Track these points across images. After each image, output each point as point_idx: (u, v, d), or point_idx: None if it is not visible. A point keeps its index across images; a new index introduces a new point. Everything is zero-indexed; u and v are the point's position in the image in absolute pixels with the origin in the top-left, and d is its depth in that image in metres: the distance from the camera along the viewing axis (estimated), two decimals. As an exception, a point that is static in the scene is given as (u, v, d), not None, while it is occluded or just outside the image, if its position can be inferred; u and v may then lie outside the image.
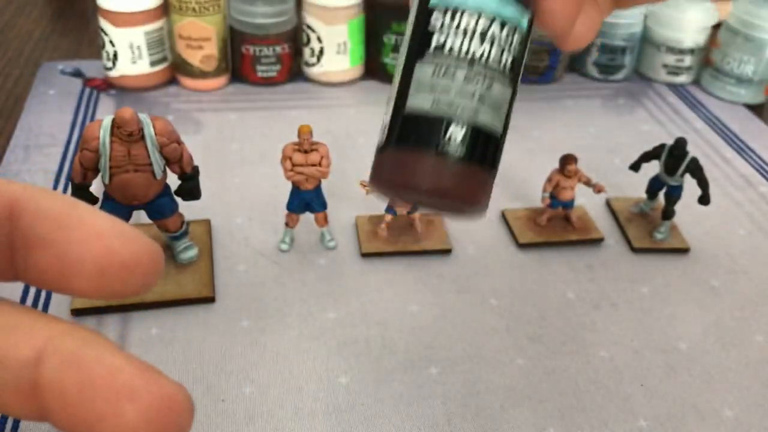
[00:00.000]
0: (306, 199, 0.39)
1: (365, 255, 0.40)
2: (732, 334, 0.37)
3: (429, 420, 0.31)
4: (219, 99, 0.56)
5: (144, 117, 0.33)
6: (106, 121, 0.32)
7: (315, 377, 0.33)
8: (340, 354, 0.34)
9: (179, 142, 0.34)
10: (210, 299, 0.36)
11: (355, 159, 0.49)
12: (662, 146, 0.42)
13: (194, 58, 0.55)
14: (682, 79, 0.64)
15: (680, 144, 0.41)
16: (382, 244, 0.41)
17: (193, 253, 0.37)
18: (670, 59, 0.63)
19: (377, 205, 0.43)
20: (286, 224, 0.40)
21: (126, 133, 0.32)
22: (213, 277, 0.37)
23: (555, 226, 0.43)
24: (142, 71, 0.54)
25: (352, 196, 0.45)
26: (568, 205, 0.42)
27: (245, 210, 0.43)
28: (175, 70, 0.57)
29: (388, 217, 0.41)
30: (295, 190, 0.38)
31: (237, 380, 0.32)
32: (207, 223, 0.41)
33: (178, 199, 0.37)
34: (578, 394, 0.33)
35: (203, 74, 0.56)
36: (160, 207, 0.35)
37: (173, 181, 0.36)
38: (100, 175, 0.33)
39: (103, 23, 0.52)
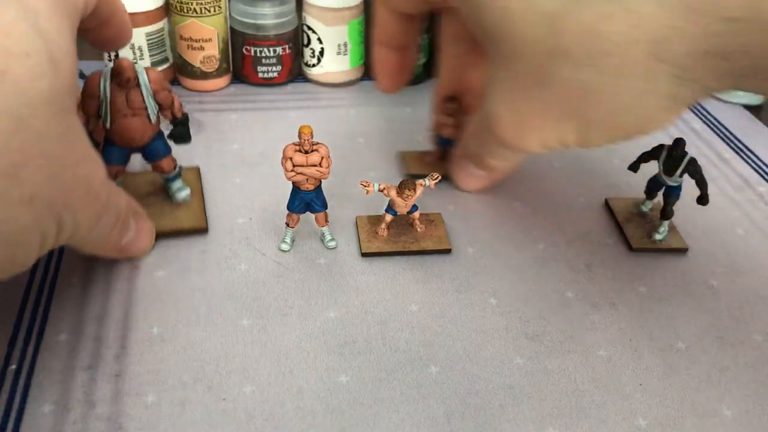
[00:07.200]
0: (306, 199, 0.39)
1: (365, 255, 0.40)
2: (731, 333, 0.38)
3: (429, 419, 0.31)
4: (220, 100, 0.56)
5: (139, 66, 0.37)
6: (106, 71, 0.36)
7: (315, 376, 0.33)
8: (341, 353, 0.34)
9: (170, 90, 0.38)
10: (204, 230, 0.41)
11: (355, 159, 0.50)
12: (661, 147, 0.42)
13: (195, 58, 0.55)
14: (682, 79, 0.64)
15: (679, 144, 0.41)
16: (382, 244, 0.41)
17: (186, 192, 0.42)
18: (670, 60, 0.63)
19: (377, 205, 0.43)
20: (287, 224, 0.40)
21: (124, 80, 0.36)
22: (205, 213, 0.42)
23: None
24: (143, 72, 0.55)
25: (352, 196, 0.45)
26: (450, 143, 0.46)
27: (246, 210, 0.43)
28: (177, 70, 0.57)
29: (388, 217, 0.41)
30: (296, 191, 0.39)
31: (237, 379, 0.32)
32: (197, 169, 0.46)
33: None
34: (577, 393, 0.33)
35: (204, 75, 0.56)
36: (155, 149, 0.39)
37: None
38: (101, 121, 0.37)
39: (105, 24, 0.52)
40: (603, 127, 0.31)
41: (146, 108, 0.37)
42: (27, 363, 0.32)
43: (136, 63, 0.37)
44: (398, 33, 0.42)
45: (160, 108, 0.38)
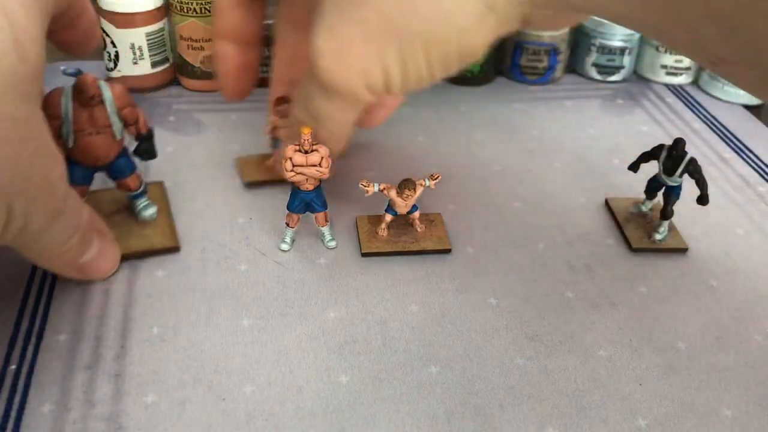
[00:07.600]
0: (306, 199, 0.39)
1: (365, 255, 0.40)
2: (730, 333, 0.38)
3: (429, 419, 0.31)
4: (220, 100, 0.56)
5: (102, 83, 0.35)
6: (67, 88, 0.35)
7: (315, 376, 0.33)
8: (341, 353, 0.34)
9: (134, 106, 0.37)
10: (175, 249, 0.39)
11: (355, 159, 0.50)
12: (661, 147, 0.42)
13: (195, 58, 0.55)
14: (681, 79, 0.64)
15: (679, 144, 0.41)
16: (382, 244, 0.41)
17: (153, 210, 0.41)
18: (669, 60, 0.63)
19: (377, 205, 0.43)
20: (287, 224, 0.40)
21: (88, 97, 0.34)
22: (175, 230, 0.40)
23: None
24: (143, 72, 0.55)
25: (352, 196, 0.45)
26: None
27: (246, 210, 0.43)
28: (177, 70, 0.57)
29: (388, 217, 0.41)
30: (296, 191, 0.39)
31: (238, 379, 0.32)
32: (161, 184, 0.44)
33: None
34: (577, 393, 0.33)
35: (204, 75, 0.56)
36: (120, 167, 0.38)
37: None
38: (60, 141, 0.35)
39: (105, 24, 0.52)
40: (423, 44, 0.30)
41: (111, 125, 0.36)
42: (27, 363, 0.32)
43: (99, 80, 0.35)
44: (241, 23, 0.40)
45: (125, 124, 0.37)
